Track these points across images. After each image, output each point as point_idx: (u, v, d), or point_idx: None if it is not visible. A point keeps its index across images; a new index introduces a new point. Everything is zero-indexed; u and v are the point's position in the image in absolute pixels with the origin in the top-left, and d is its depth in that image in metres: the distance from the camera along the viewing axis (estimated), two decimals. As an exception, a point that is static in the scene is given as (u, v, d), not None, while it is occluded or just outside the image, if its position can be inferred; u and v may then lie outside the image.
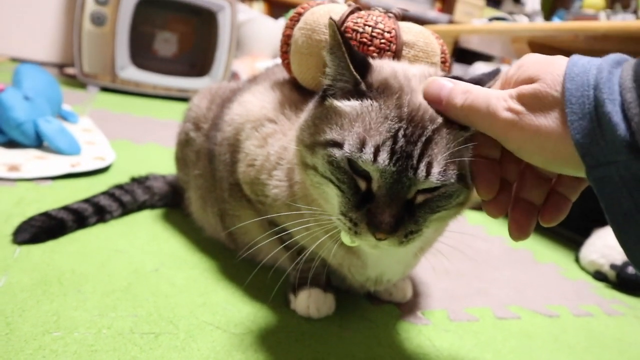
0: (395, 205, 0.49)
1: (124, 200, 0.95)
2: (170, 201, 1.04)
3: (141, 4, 2.39)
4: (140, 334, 0.61)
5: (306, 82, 0.71)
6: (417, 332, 0.73)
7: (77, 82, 2.47)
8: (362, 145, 0.48)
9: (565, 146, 0.40)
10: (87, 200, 0.91)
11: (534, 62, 0.45)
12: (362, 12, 0.68)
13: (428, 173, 0.47)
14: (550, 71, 0.42)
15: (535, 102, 0.42)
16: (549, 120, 0.41)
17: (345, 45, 0.50)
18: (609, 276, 1.10)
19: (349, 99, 0.52)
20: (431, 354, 0.69)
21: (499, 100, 0.45)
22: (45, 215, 0.83)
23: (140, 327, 0.62)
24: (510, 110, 0.43)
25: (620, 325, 0.91)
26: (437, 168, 0.48)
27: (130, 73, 2.46)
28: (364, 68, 0.52)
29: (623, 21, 1.22)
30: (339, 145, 0.50)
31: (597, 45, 1.43)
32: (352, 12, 0.67)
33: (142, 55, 2.58)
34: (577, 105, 0.39)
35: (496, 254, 1.17)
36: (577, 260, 1.21)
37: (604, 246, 1.13)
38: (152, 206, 1.02)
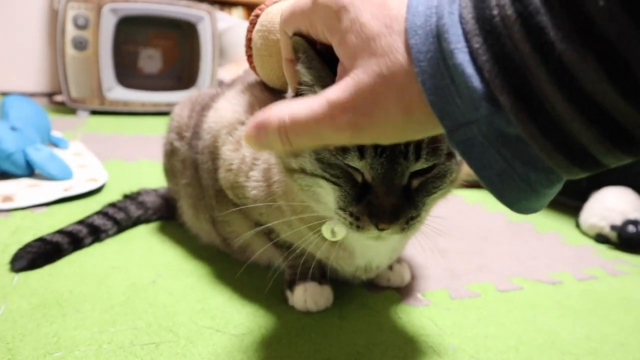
0: (394, 193, 0.48)
1: (118, 218, 0.95)
2: (164, 213, 1.04)
3: (120, 23, 2.39)
4: (140, 345, 0.61)
5: (272, 82, 0.71)
6: (418, 314, 0.73)
7: (66, 108, 2.48)
8: None
9: (419, 111, 0.33)
10: (81, 222, 0.91)
11: (355, 44, 0.35)
12: None
13: (418, 155, 0.47)
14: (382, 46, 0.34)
15: (371, 95, 0.34)
16: (395, 99, 0.34)
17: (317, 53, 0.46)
18: (610, 237, 1.10)
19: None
20: (434, 334, 0.69)
21: (325, 118, 0.36)
22: (41, 240, 0.83)
23: (140, 338, 0.63)
24: (341, 126, 0.35)
25: (625, 284, 0.90)
26: (425, 149, 0.47)
27: (118, 93, 2.46)
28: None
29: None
30: None
31: None
32: None
33: (127, 74, 2.58)
34: (426, 62, 0.31)
35: (496, 229, 1.17)
36: (577, 226, 1.20)
37: (602, 208, 1.12)
38: (146, 220, 1.02)
